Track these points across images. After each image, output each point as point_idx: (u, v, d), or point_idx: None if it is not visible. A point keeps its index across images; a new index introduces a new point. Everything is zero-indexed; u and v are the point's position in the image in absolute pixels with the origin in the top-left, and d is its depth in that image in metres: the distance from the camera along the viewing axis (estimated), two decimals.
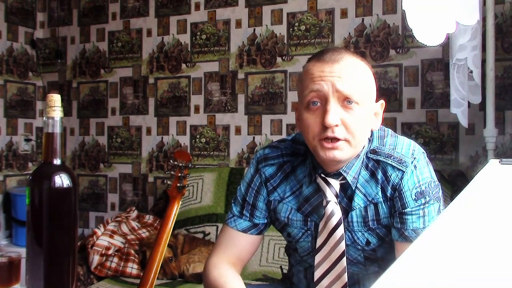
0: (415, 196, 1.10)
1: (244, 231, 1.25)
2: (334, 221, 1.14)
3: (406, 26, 2.50)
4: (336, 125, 1.05)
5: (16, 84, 3.37)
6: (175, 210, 1.61)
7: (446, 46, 2.20)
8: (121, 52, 3.28)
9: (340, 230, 1.14)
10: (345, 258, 1.15)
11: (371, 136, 1.17)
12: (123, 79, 3.27)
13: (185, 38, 3.09)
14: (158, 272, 1.59)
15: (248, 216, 1.25)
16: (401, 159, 1.11)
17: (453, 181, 2.29)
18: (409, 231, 1.10)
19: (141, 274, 1.82)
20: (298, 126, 1.15)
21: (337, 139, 1.06)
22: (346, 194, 1.15)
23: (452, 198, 2.15)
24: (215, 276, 1.21)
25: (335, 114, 1.05)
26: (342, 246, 1.14)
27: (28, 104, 3.44)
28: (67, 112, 3.41)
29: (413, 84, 2.56)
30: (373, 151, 1.14)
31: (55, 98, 0.91)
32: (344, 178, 1.13)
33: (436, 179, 1.14)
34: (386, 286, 0.38)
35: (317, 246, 1.17)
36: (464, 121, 2.09)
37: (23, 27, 3.43)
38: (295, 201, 1.21)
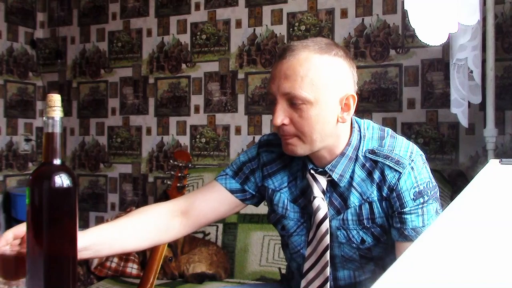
0: (414, 195, 1.11)
1: (232, 191, 1.26)
2: (320, 215, 1.16)
3: (406, 26, 2.51)
4: (284, 124, 1.08)
5: (16, 84, 3.37)
6: None
7: (446, 46, 2.20)
8: (121, 52, 3.28)
9: (325, 225, 1.16)
10: (328, 253, 1.16)
11: (369, 132, 1.17)
12: (123, 79, 3.27)
13: (185, 38, 3.08)
14: (158, 272, 1.59)
15: (240, 181, 1.26)
16: (398, 161, 1.12)
17: (453, 181, 2.29)
18: (409, 230, 1.11)
19: (141, 274, 1.82)
20: None
21: (288, 136, 1.10)
22: (337, 191, 1.17)
23: (452, 198, 2.15)
24: (139, 209, 1.23)
25: (281, 115, 1.08)
26: (327, 240, 1.16)
27: (28, 104, 3.44)
28: (67, 112, 3.41)
29: (413, 84, 2.55)
30: (372, 152, 1.15)
31: (55, 98, 0.91)
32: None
33: (433, 180, 1.15)
34: (386, 286, 0.38)
35: (309, 239, 1.19)
36: (464, 121, 2.09)
37: (23, 27, 3.43)
38: (289, 192, 1.23)
